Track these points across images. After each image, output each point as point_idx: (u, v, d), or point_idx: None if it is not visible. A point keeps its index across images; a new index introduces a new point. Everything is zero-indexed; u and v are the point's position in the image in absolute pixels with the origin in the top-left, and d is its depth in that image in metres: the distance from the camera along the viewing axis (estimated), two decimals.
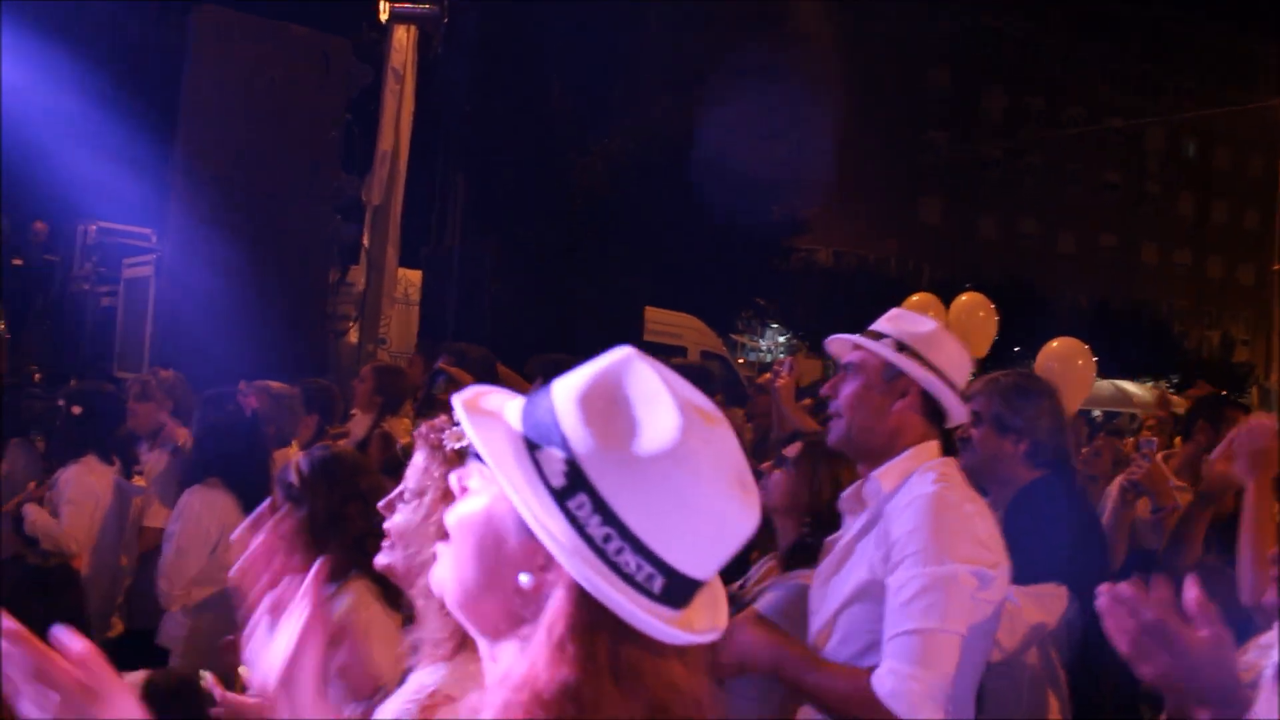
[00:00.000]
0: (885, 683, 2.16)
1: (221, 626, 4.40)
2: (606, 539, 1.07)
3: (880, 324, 2.56)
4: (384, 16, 8.73)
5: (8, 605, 3.75)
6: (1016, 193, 44.84)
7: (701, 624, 1.13)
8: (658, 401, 1.09)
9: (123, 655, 4.11)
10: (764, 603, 2.92)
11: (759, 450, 5.77)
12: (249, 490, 4.07)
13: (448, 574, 1.19)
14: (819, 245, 29.85)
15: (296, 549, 2.57)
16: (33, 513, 4.83)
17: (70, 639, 1.23)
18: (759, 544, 3.72)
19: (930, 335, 2.51)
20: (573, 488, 1.07)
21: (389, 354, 9.24)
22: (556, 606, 1.09)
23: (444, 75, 9.30)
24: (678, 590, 1.09)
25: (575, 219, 14.27)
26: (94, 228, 9.22)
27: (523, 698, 1.07)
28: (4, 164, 9.17)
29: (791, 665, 2.34)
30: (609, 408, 1.09)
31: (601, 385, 1.11)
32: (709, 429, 1.09)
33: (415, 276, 9.94)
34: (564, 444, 1.08)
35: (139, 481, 5.09)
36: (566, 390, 1.11)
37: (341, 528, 2.67)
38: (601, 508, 1.06)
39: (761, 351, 29.83)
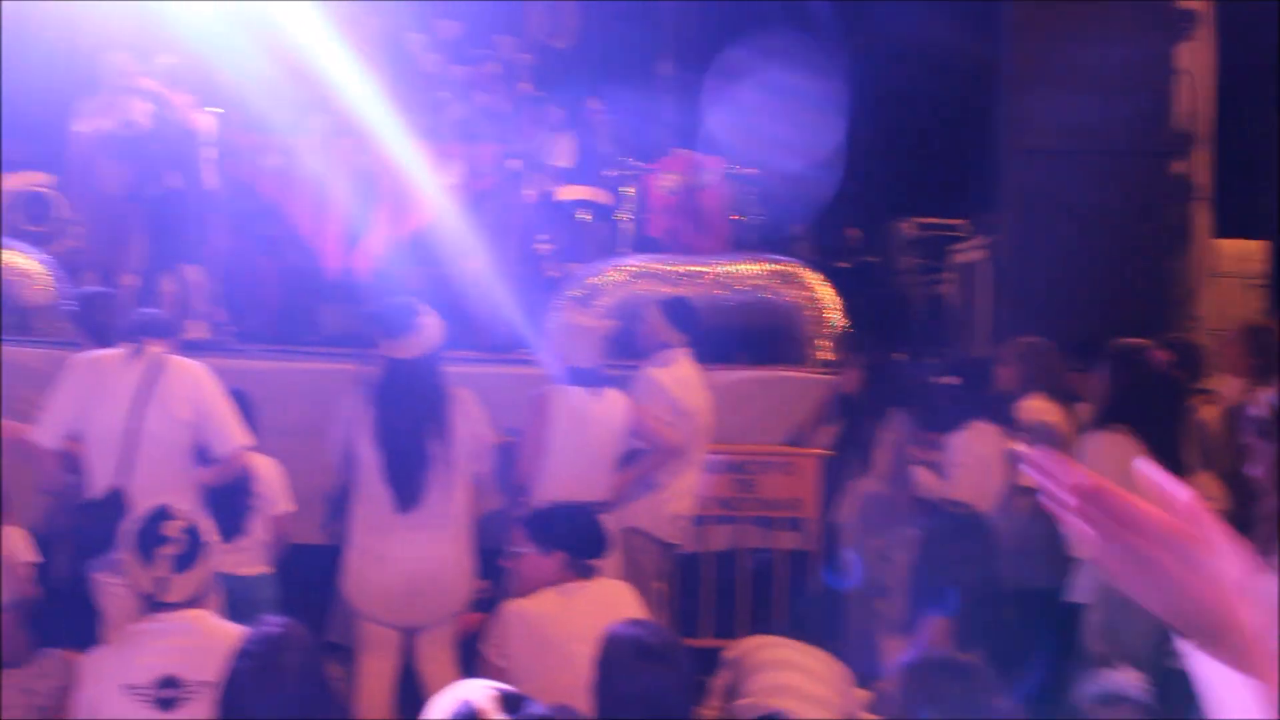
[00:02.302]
0: None
1: None
2: None
3: None
4: None
5: (926, 548, 3.92)
6: None
7: None
8: None
9: (1030, 610, 4.21)
10: None
11: None
12: (1160, 441, 4.08)
13: None
14: None
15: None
16: (921, 474, 5.21)
17: (1175, 487, 1.05)
18: None
19: None
20: None
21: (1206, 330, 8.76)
22: None
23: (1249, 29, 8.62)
24: None
25: None
26: (912, 225, 9.88)
27: None
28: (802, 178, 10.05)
29: None
30: None
31: None
32: None
33: (1231, 247, 9.34)
34: None
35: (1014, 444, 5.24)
36: None
37: None
38: None
39: None
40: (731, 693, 3.04)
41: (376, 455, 4.33)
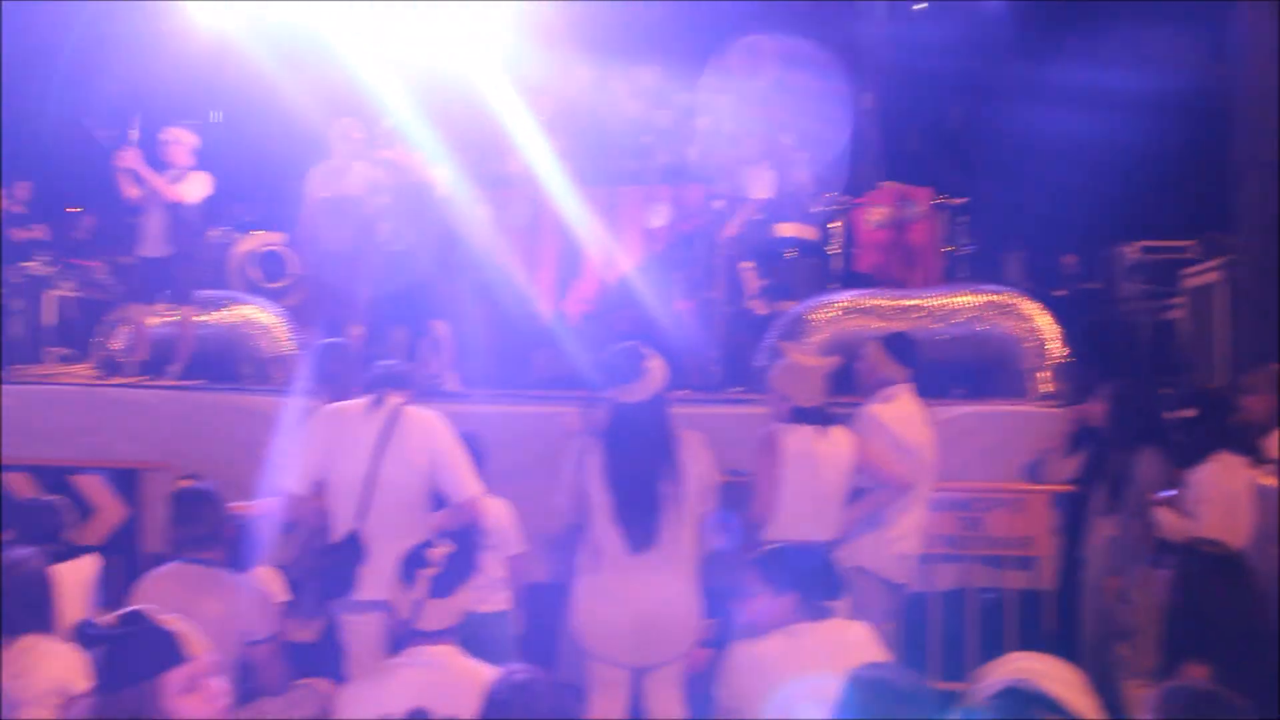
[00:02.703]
0: None
1: None
2: None
3: None
4: None
5: (1179, 590, 3.67)
6: None
7: None
8: None
9: None
10: None
11: None
12: None
13: None
14: None
15: None
16: (1164, 515, 4.96)
17: None
18: None
19: None
20: None
21: None
22: None
23: None
24: None
25: None
26: (1134, 249, 9.53)
27: None
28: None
29: None
30: None
31: None
32: None
33: None
34: None
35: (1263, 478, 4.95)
36: None
37: None
38: None
39: None
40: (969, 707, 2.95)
41: (608, 497, 4.39)
